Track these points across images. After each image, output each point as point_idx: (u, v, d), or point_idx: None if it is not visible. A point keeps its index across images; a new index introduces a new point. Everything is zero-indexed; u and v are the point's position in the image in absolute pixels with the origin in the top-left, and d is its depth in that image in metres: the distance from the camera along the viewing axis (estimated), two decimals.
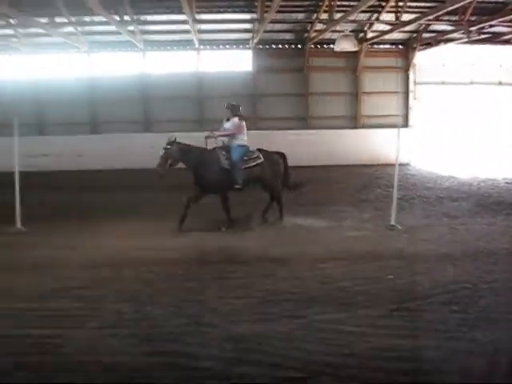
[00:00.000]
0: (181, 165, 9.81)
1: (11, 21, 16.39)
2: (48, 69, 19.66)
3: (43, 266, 7.61)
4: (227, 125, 10.01)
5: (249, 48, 19.67)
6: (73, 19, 16.65)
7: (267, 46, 19.77)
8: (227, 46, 19.87)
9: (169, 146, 9.55)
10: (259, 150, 10.22)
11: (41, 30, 16.17)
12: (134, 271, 7.27)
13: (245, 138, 10.01)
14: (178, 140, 9.66)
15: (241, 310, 5.85)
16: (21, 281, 6.96)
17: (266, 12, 15.01)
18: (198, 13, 16.28)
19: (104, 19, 14.63)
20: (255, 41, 18.51)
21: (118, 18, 15.64)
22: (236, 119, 9.94)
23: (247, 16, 17.35)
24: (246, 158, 9.91)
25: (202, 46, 19.60)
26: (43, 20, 15.45)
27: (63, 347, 5.00)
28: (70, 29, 17.56)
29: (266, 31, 17.38)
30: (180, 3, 12.86)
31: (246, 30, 18.73)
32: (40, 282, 6.88)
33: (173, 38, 19.18)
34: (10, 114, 10.94)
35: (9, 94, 19.05)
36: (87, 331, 5.32)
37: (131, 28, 17.51)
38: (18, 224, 9.78)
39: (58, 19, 15.86)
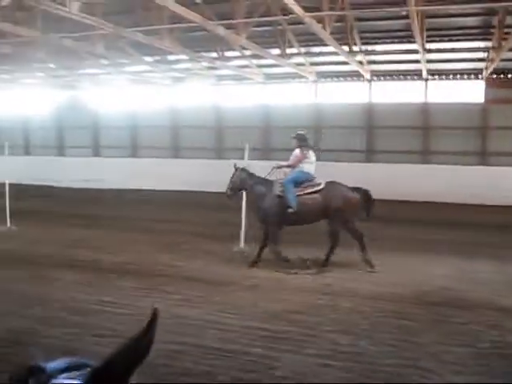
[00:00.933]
0: None
1: (245, 52, 17.75)
2: (276, 96, 20.94)
3: (260, 286, 8.02)
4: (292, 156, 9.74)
5: (481, 78, 18.64)
6: (303, 50, 17.48)
7: (501, 76, 18.52)
8: (458, 77, 19.06)
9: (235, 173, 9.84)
10: (331, 182, 9.52)
11: (272, 61, 17.28)
12: (350, 302, 7.24)
13: (305, 167, 9.50)
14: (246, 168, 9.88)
15: (463, 360, 5.45)
16: (241, 297, 7.40)
17: (505, 39, 14.11)
18: (428, 42, 15.93)
19: (333, 50, 15.10)
20: (489, 70, 17.49)
21: (347, 49, 16.02)
22: (297, 150, 9.63)
23: (481, 44, 16.48)
24: (303, 185, 9.35)
25: (430, 76, 19.12)
26: (275, 51, 16.48)
27: (278, 369, 5.13)
28: (300, 59, 18.43)
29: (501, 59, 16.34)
30: (411, 32, 12.72)
31: (480, 59, 17.79)
32: (257, 300, 7.23)
33: (398, 67, 19.03)
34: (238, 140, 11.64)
35: (238, 118, 20.78)
36: (303, 357, 5.40)
37: (359, 58, 17.80)
38: (242, 243, 10.41)
39: (288, 50, 16.80)
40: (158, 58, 17.90)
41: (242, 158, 10.75)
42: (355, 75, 19.43)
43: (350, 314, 6.74)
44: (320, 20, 12.24)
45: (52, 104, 25.07)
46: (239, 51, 17.15)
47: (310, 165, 9.62)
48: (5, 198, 12.92)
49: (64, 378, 1.13)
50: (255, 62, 19.12)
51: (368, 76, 19.37)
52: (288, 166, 9.72)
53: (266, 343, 5.72)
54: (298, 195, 9.25)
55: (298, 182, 9.40)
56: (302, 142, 9.69)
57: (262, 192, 9.51)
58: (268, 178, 9.71)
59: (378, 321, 6.56)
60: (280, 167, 9.80)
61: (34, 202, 17.61)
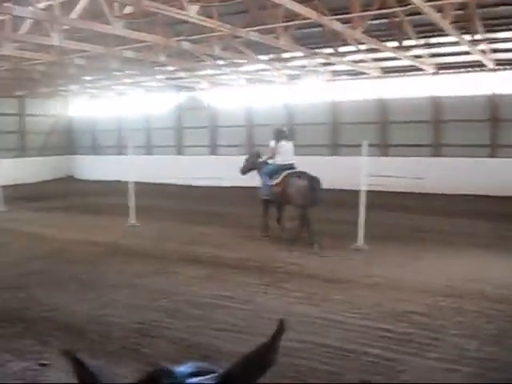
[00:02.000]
0: None
1: (361, 46, 17.44)
2: (393, 90, 20.42)
3: (380, 285, 7.86)
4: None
5: None
6: (421, 41, 16.89)
7: None
8: None
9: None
10: (297, 171, 11.19)
11: (388, 54, 16.86)
12: (475, 305, 6.91)
13: (279, 159, 11.42)
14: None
15: None
16: (360, 295, 7.31)
17: None
18: None
19: (453, 39, 14.46)
20: None
21: (468, 38, 15.27)
22: (272, 143, 11.67)
23: None
24: (276, 175, 11.23)
25: None
26: (391, 44, 16.06)
27: (402, 372, 5.01)
28: (418, 51, 17.83)
29: None
30: None
31: None
32: (378, 300, 7.11)
33: None
34: (355, 136, 11.53)
35: (354, 114, 20.56)
36: (427, 361, 5.24)
37: (481, 47, 16.90)
38: (361, 241, 10.30)
39: (406, 42, 16.30)
40: (272, 56, 18.09)
41: (360, 155, 10.59)
42: (477, 65, 18.47)
43: (476, 318, 6.43)
44: (440, 9, 11.77)
45: (171, 105, 26.20)
46: (354, 46, 16.90)
47: (284, 155, 11.49)
48: (129, 196, 13.68)
49: (196, 381, 1.17)
50: (371, 55, 18.74)
51: (491, 65, 18.35)
52: (269, 158, 11.91)
53: (387, 344, 5.61)
54: (271, 185, 11.31)
55: (271, 174, 11.38)
56: (278, 134, 11.73)
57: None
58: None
59: (506, 326, 6.20)
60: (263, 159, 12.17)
61: (155, 199, 18.47)
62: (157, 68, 19.25)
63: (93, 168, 27.83)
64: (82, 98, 29.38)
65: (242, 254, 10.16)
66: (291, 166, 11.43)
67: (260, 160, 12.21)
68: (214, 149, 25.06)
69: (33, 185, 25.15)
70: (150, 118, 27.04)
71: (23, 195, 20.60)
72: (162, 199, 19.19)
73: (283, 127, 12.28)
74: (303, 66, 19.76)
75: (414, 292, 7.50)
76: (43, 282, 8.39)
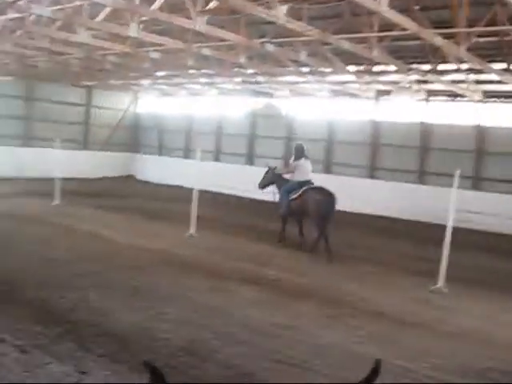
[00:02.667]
0: None
1: (461, 67, 17.08)
2: (495, 117, 19.88)
3: (459, 334, 7.65)
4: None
5: None
6: None
7: None
8: None
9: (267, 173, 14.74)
10: (316, 186, 13.03)
11: (493, 77, 16.45)
12: None
13: (299, 177, 13.35)
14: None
15: None
16: (434, 343, 7.15)
17: None
18: None
19: None
20: None
21: None
22: (292, 159, 13.92)
23: None
24: (295, 191, 13.12)
25: None
26: (497, 66, 15.66)
27: None
28: None
29: None
30: None
31: None
32: (454, 351, 6.91)
33: None
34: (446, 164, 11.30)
35: (447, 139, 20.24)
36: None
37: None
38: (441, 282, 10.04)
39: None
40: (362, 68, 18.04)
41: (450, 186, 10.34)
42: None
43: None
44: None
45: (246, 110, 26.53)
46: (455, 64, 16.61)
47: (303, 174, 13.40)
48: (193, 204, 13.94)
49: None
50: (473, 77, 18.36)
51: None
52: (286, 172, 14.20)
53: None
54: (291, 199, 13.16)
55: (290, 191, 13.26)
56: (298, 152, 13.60)
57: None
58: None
59: None
60: (277, 171, 14.60)
61: (218, 210, 18.74)
62: (235, 69, 19.57)
63: (156, 170, 28.46)
64: (152, 94, 30.26)
65: (307, 280, 10.16)
66: (309, 182, 13.30)
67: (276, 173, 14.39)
68: (288, 162, 25.04)
69: (92, 180, 26.01)
70: (221, 123, 27.49)
71: (80, 190, 21.40)
72: (227, 211, 19.46)
73: (303, 145, 13.83)
74: (395, 82, 19.59)
75: (499, 347, 7.23)
76: (94, 285, 8.66)
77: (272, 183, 14.33)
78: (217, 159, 27.26)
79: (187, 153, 28.14)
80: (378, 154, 22.30)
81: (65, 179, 18.61)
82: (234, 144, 26.85)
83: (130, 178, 29.28)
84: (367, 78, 18.72)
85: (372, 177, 22.21)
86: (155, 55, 16.71)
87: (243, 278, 9.98)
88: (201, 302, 8.26)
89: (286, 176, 13.98)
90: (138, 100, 31.35)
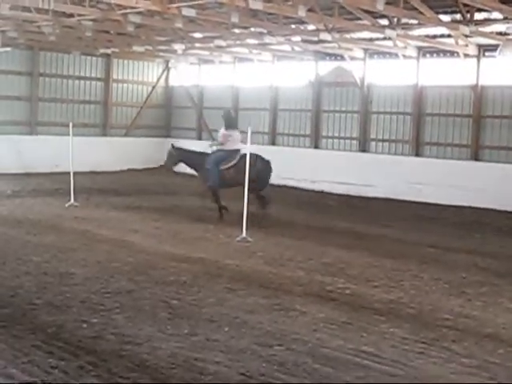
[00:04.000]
0: None
1: None
2: None
3: None
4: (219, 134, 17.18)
5: None
6: None
7: None
8: None
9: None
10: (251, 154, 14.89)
11: None
12: None
13: (230, 146, 16.43)
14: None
15: None
16: None
17: None
18: None
19: None
20: None
21: None
22: (222, 130, 16.90)
23: None
24: (224, 161, 16.21)
25: None
26: None
27: None
28: None
29: None
30: None
31: None
32: None
33: None
34: None
35: None
36: None
37: None
38: None
39: None
40: (457, 17, 17.73)
41: None
42: None
43: None
44: None
45: (308, 79, 26.35)
46: None
47: (234, 143, 16.43)
48: (244, 199, 14.14)
49: None
50: None
51: None
52: (219, 144, 16.93)
53: None
54: (220, 169, 16.22)
55: (220, 161, 16.26)
56: (228, 121, 16.87)
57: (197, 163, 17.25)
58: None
59: None
60: (212, 145, 17.53)
61: (275, 206, 18.74)
62: (293, 26, 19.50)
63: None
64: (188, 62, 30.31)
65: (393, 296, 10.06)
66: (240, 151, 16.17)
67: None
68: (364, 143, 24.96)
69: (114, 174, 26.51)
70: (277, 96, 27.43)
71: (102, 187, 21.78)
72: (286, 207, 19.50)
73: (232, 113, 17.89)
74: (503, 34, 19.14)
75: None
76: (122, 306, 8.78)
77: (180, 161, 17.87)
78: (272, 142, 27.26)
79: None
80: (483, 128, 21.82)
81: (81, 173, 18.91)
82: (294, 122, 26.80)
83: (162, 169, 29.48)
84: (465, 29, 18.37)
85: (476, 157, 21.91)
86: (189, 12, 16.65)
87: (312, 293, 9.98)
88: (257, 324, 8.26)
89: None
90: (169, 71, 31.52)
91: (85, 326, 7.93)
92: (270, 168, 16.61)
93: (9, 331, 7.65)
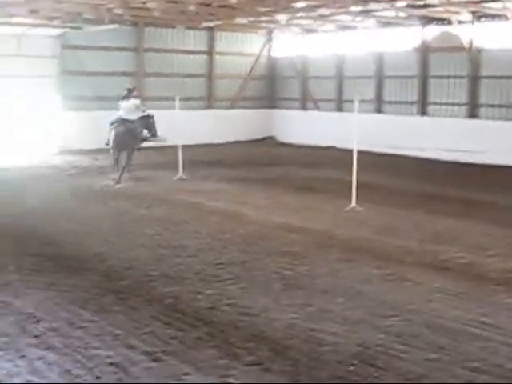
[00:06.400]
0: None
1: None
2: None
3: None
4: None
5: None
6: None
7: None
8: None
9: None
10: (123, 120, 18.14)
11: None
12: None
13: (120, 112, 18.40)
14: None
15: None
16: None
17: None
18: None
19: None
20: None
21: None
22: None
23: None
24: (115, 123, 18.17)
25: None
26: None
27: None
28: None
29: None
30: None
31: None
32: None
33: None
34: None
35: None
36: None
37: None
38: None
39: None
40: None
41: None
42: None
43: None
44: None
45: (414, 45, 25.79)
46: None
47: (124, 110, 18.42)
48: (352, 168, 13.98)
49: None
50: None
51: None
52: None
53: None
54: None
55: (112, 122, 18.31)
56: (127, 93, 19.01)
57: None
58: None
59: None
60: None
61: (383, 175, 18.63)
62: None
63: (301, 128, 28.58)
64: (291, 32, 30.23)
65: (510, 265, 9.78)
66: (125, 119, 18.14)
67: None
68: (473, 109, 24.26)
69: (220, 146, 26.80)
70: (382, 63, 27.02)
71: (208, 159, 21.99)
72: (394, 176, 19.26)
73: (130, 87, 19.93)
74: None
75: None
76: (239, 277, 8.94)
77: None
78: (378, 110, 26.94)
79: (340, 104, 28.03)
80: None
81: (187, 146, 19.16)
82: (400, 89, 26.39)
83: (268, 140, 29.67)
84: None
85: None
86: None
87: (425, 263, 9.87)
88: (372, 295, 8.25)
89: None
90: (272, 41, 31.50)
91: (200, 297, 8.10)
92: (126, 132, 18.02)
93: (126, 303, 7.92)
